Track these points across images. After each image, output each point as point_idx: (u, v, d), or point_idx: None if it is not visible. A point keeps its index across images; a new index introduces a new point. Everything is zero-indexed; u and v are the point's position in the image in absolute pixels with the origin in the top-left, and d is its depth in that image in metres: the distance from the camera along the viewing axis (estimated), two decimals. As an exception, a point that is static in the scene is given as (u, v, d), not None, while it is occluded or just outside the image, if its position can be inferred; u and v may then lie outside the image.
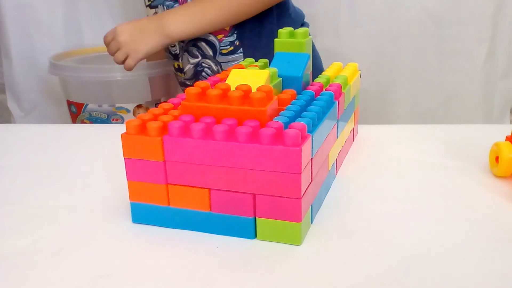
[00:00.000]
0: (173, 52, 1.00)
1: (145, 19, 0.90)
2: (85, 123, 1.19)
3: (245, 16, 0.89)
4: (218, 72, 0.95)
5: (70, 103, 1.21)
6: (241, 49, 0.93)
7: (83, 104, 1.18)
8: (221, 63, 0.94)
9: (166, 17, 0.88)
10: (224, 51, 0.94)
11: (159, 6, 0.96)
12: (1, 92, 1.51)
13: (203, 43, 0.94)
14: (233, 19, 0.89)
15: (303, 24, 0.99)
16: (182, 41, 0.96)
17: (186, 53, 0.97)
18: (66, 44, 1.39)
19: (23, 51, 1.39)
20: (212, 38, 0.93)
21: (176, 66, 1.03)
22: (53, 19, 1.38)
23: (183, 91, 1.06)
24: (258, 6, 0.89)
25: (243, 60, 0.93)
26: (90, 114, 1.17)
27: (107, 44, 0.91)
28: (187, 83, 1.02)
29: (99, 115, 1.17)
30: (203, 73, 0.97)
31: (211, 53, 0.94)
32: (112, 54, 0.91)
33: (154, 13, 0.97)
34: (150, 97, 1.19)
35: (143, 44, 0.88)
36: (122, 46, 0.89)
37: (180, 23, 0.87)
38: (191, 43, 0.95)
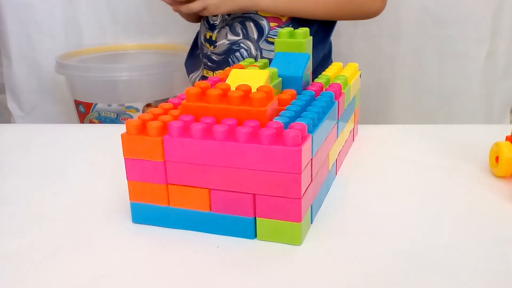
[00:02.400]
0: (212, 22, 0.96)
1: None
2: (93, 122, 1.19)
3: (341, 16, 0.90)
4: (255, 57, 0.92)
5: (78, 103, 1.21)
6: None
7: (92, 103, 1.18)
8: (263, 50, 0.92)
9: None
10: (271, 40, 0.91)
11: None
12: (1, 92, 1.51)
13: (251, 24, 0.91)
14: (327, 14, 0.89)
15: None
16: (228, 14, 0.93)
17: (227, 27, 0.93)
18: (66, 44, 1.39)
19: (23, 51, 1.39)
20: (264, 22, 0.90)
21: (208, 37, 0.97)
22: (53, 19, 1.38)
23: (204, 65, 0.99)
24: (354, 11, 0.90)
25: None
26: (99, 113, 1.17)
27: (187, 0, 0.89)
28: (213, 57, 0.97)
29: (108, 115, 1.17)
30: (238, 53, 0.93)
31: (255, 36, 0.92)
32: (188, 10, 0.89)
33: None
34: (159, 96, 1.19)
35: (227, 4, 0.87)
36: (207, 2, 0.87)
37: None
38: (238, 19, 0.92)
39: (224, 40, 0.94)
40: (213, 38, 0.95)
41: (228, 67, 0.93)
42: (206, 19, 0.97)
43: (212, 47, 0.96)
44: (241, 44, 0.93)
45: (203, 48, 1.00)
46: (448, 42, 1.31)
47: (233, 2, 0.87)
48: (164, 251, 0.42)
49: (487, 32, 1.30)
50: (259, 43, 0.92)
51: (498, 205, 0.48)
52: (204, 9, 0.88)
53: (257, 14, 0.91)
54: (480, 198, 0.49)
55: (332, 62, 1.01)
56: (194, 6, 0.87)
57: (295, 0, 0.88)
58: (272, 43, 0.91)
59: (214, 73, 0.98)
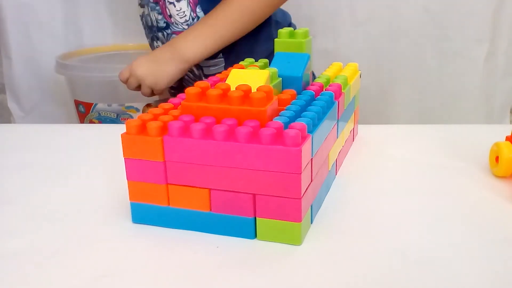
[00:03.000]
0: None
1: (157, 50, 0.89)
2: (93, 122, 1.19)
3: (257, 23, 0.88)
4: (199, 76, 0.94)
5: (78, 103, 1.21)
6: (221, 54, 0.91)
7: (92, 103, 1.18)
8: (203, 67, 0.93)
9: (178, 43, 0.86)
10: None
11: (145, 6, 0.95)
12: (1, 92, 1.51)
13: None
14: (246, 29, 0.88)
15: (290, 25, 0.98)
16: (163, 42, 0.95)
17: None
18: (66, 44, 1.39)
19: (23, 51, 1.39)
20: None
21: None
22: (53, 19, 1.38)
23: (168, 91, 1.02)
24: (267, 10, 0.88)
25: (224, 64, 0.91)
26: (99, 113, 1.17)
27: (124, 81, 0.90)
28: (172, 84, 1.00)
29: (108, 115, 1.17)
30: (186, 76, 0.96)
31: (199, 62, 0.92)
32: (132, 89, 0.91)
33: (143, 12, 0.97)
34: (159, 96, 1.19)
35: (162, 75, 0.87)
36: (142, 80, 0.88)
37: (194, 46, 0.86)
38: None
39: None
40: None
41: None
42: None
43: None
44: None
45: None
46: (448, 42, 1.31)
47: (165, 72, 0.87)
48: (164, 251, 0.42)
49: (487, 32, 1.30)
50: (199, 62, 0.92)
51: (498, 205, 0.48)
52: (151, 87, 0.89)
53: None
54: (480, 198, 0.49)
55: None
56: (143, 93, 0.90)
57: (217, 35, 0.86)
58: (207, 59, 0.91)
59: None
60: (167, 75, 0.87)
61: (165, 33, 0.94)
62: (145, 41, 1.46)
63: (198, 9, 0.90)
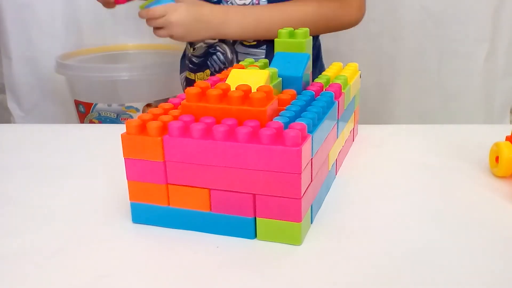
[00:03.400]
0: None
1: (208, 8, 0.83)
2: (93, 122, 1.19)
3: (317, 33, 0.90)
4: (231, 60, 0.91)
5: (78, 103, 1.22)
6: (265, 46, 0.89)
7: (92, 103, 1.18)
8: (238, 53, 0.90)
9: (232, 15, 0.82)
10: (246, 43, 0.89)
11: None
12: (1, 92, 1.51)
13: None
14: None
15: None
16: None
17: None
18: (66, 44, 1.39)
19: (23, 51, 1.39)
20: None
21: None
22: (53, 19, 1.38)
23: (186, 66, 0.99)
24: (324, 29, 0.89)
25: (264, 56, 0.89)
26: (99, 113, 1.18)
27: (153, 18, 0.83)
28: (193, 59, 0.96)
29: (108, 115, 1.18)
30: (214, 56, 0.92)
31: (231, 40, 0.89)
32: (153, 26, 0.85)
33: None
34: (159, 96, 1.19)
35: (193, 35, 0.83)
36: (170, 27, 0.82)
37: (242, 25, 0.82)
38: None
39: (201, 43, 0.93)
40: None
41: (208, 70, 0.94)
42: None
43: (192, 49, 0.96)
44: (217, 47, 0.92)
45: (186, 49, 1.00)
46: (448, 42, 1.31)
47: (198, 33, 0.84)
48: (164, 251, 0.42)
49: (487, 32, 1.30)
50: (235, 46, 0.90)
51: (498, 205, 0.48)
52: (172, 36, 0.86)
53: None
54: (480, 198, 0.49)
55: (322, 65, 1.00)
56: (160, 34, 0.85)
57: (263, 26, 0.84)
58: (247, 46, 0.90)
59: (196, 75, 0.98)
60: (197, 37, 0.84)
61: None
62: (145, 42, 1.46)
63: None
